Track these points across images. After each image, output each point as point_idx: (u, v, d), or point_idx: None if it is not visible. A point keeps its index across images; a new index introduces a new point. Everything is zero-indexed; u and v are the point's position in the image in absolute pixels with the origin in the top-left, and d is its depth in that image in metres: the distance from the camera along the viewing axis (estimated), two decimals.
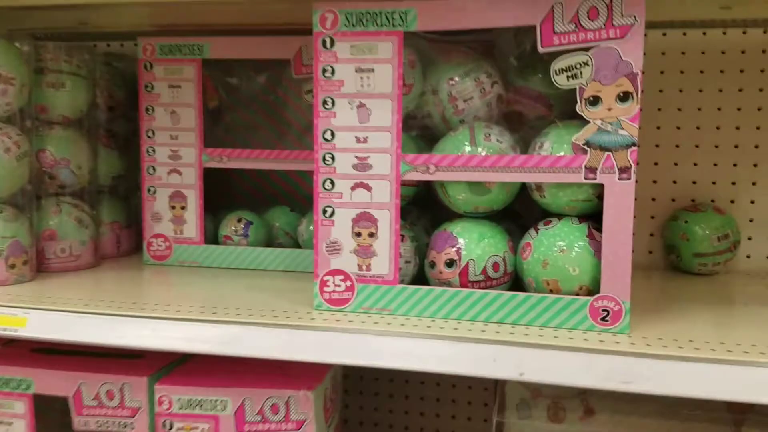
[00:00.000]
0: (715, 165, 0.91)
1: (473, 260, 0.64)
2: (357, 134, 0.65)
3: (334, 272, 0.67)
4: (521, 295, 0.62)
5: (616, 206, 0.60)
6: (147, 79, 0.91)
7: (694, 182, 0.92)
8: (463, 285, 0.65)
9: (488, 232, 0.66)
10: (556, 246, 0.62)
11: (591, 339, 0.59)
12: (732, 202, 0.91)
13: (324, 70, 0.65)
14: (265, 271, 0.88)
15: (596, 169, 0.60)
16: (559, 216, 0.65)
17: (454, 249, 0.65)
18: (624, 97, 0.59)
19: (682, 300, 0.74)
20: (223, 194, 0.98)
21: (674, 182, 0.92)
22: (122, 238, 0.99)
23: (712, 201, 0.91)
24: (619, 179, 0.59)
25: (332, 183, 0.66)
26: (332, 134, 0.66)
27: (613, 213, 0.60)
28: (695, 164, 0.92)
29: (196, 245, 0.91)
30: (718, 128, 0.90)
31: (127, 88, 1.00)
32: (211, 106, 0.97)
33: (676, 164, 0.92)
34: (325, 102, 0.65)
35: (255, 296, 0.73)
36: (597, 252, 0.61)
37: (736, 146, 0.90)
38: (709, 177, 0.91)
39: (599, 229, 0.62)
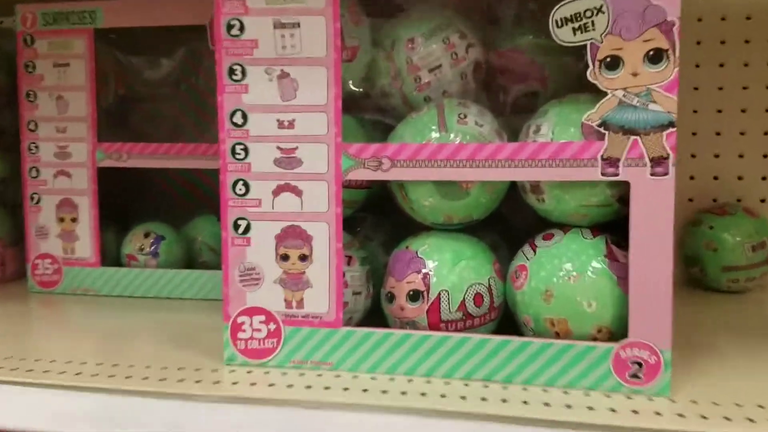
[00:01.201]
0: (740, 156, 0.74)
1: (446, 291, 0.46)
2: (279, 116, 0.46)
3: (252, 311, 0.47)
4: (516, 340, 0.44)
5: (648, 213, 0.41)
6: (27, 56, 0.71)
7: (715, 177, 0.74)
8: (433, 326, 0.46)
9: (467, 250, 0.47)
10: (563, 270, 0.44)
11: (619, 407, 0.40)
12: (762, 201, 0.74)
13: (230, 26, 0.46)
14: (182, 300, 0.68)
15: (618, 160, 0.42)
16: (564, 227, 0.46)
17: (420, 276, 0.46)
18: (655, 56, 0.41)
19: (718, 330, 0.57)
20: (132, 202, 0.78)
21: (691, 178, 0.75)
22: (7, 259, 0.78)
23: (739, 200, 0.74)
24: (651, 175, 0.41)
25: (246, 186, 0.47)
26: (244, 117, 0.46)
27: (645, 222, 0.41)
28: (716, 155, 0.74)
29: (91, 267, 0.70)
30: (743, 111, 0.73)
31: (12, 71, 0.79)
32: (114, 97, 0.78)
33: (693, 156, 0.75)
34: (232, 71, 0.46)
35: (156, 342, 0.54)
36: (622, 278, 0.43)
37: (766, 133, 0.73)
38: (734, 170, 0.74)
39: (622, 246, 0.44)
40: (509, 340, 0.44)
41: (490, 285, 0.47)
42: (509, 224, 0.56)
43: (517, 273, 0.46)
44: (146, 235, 0.71)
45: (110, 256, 0.72)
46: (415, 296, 0.46)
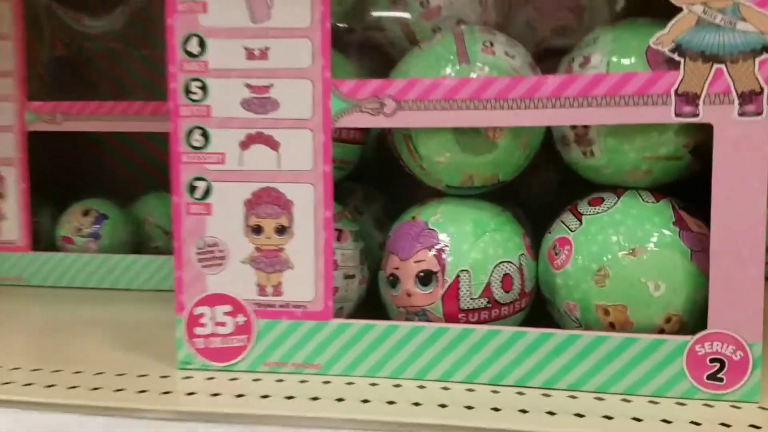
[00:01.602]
0: None
1: (467, 272, 0.35)
2: (248, 43, 0.35)
3: (214, 300, 0.36)
4: (561, 334, 0.34)
5: (735, 165, 0.32)
6: None
7: None
8: (450, 317, 0.36)
9: (490, 221, 0.37)
10: (621, 243, 0.34)
11: (702, 418, 0.31)
12: None
13: None
14: (128, 291, 0.57)
15: (697, 96, 0.32)
16: (617, 189, 0.36)
17: (433, 252, 0.36)
18: None
19: None
20: (70, 175, 0.66)
21: None
22: None
23: None
24: (740, 115, 0.32)
25: (204, 136, 0.36)
26: (201, 44, 0.35)
27: (731, 178, 0.32)
28: None
29: (20, 253, 0.58)
30: None
31: None
32: (51, 56, 0.66)
33: None
34: None
35: (94, 341, 0.42)
36: (696, 252, 0.33)
37: None
38: None
39: (693, 212, 0.34)
40: (551, 334, 0.34)
41: (521, 264, 0.37)
42: (526, 190, 0.45)
43: (556, 248, 0.36)
44: (85, 214, 0.59)
45: (43, 239, 0.60)
46: (426, 279, 0.36)
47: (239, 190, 0.36)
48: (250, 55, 0.35)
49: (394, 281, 0.37)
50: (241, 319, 0.36)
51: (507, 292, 0.36)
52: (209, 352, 0.37)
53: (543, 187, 0.46)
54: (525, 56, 0.37)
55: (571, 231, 0.36)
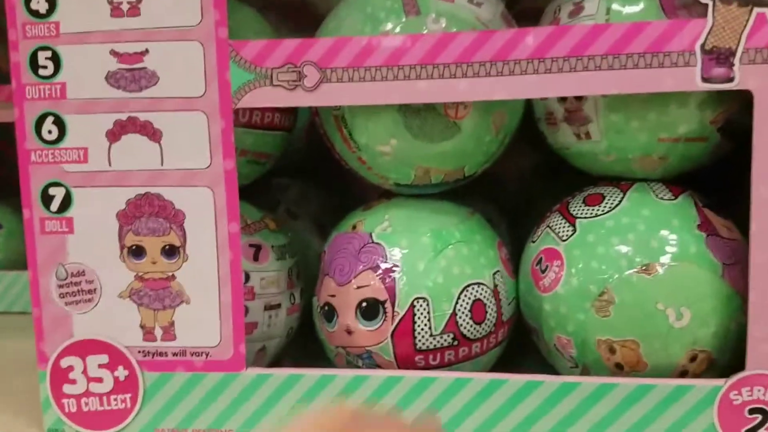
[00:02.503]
0: None
1: (425, 300, 0.26)
2: None
3: (85, 347, 0.27)
4: (552, 382, 0.25)
5: None
6: None
7: None
8: (403, 360, 0.27)
9: (455, 229, 0.28)
10: (627, 257, 0.25)
11: None
12: None
13: None
14: (24, 315, 0.47)
15: (731, 53, 0.23)
16: (620, 182, 0.28)
17: (379, 275, 0.27)
18: None
19: None
20: None
21: None
22: None
23: None
24: None
25: (59, 125, 0.26)
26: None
27: None
28: None
29: None
30: None
31: None
32: None
33: None
34: None
35: None
36: (730, 266, 0.25)
37: None
38: None
39: (719, 210, 0.26)
40: (539, 382, 0.25)
41: (495, 284, 0.28)
42: (502, 185, 0.37)
43: (542, 263, 0.27)
44: None
45: None
46: (370, 311, 0.27)
47: (110, 198, 0.26)
48: (116, 10, 0.25)
49: (330, 313, 0.28)
50: (122, 372, 0.27)
51: (478, 323, 0.27)
52: (83, 417, 0.27)
53: (523, 172, 0.38)
54: (497, 4, 0.27)
55: (562, 241, 0.27)
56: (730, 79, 0.23)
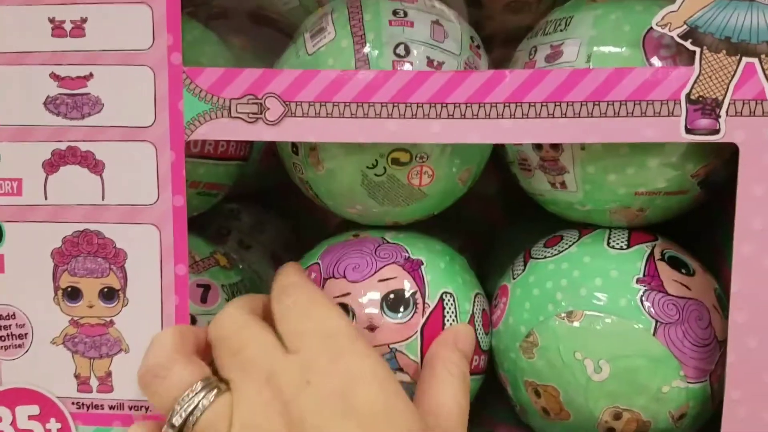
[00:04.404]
0: None
1: (452, 295, 0.26)
2: (54, 11, 0.23)
3: (13, 397, 0.25)
4: None
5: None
6: None
7: None
8: None
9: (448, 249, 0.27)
10: (556, 301, 0.24)
11: None
12: None
13: None
14: None
15: (717, 103, 0.22)
16: (587, 227, 0.26)
17: (405, 266, 0.26)
18: None
19: None
20: None
21: None
22: None
23: None
24: None
25: None
26: None
27: (764, 223, 0.22)
28: None
29: None
30: None
31: None
32: None
33: None
34: None
35: None
36: (668, 325, 0.24)
37: None
38: None
39: (688, 267, 0.25)
40: None
41: (483, 308, 0.27)
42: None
43: (497, 298, 0.26)
44: None
45: None
46: (398, 302, 0.24)
47: (44, 234, 0.24)
48: (57, 29, 0.23)
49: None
50: (54, 425, 0.24)
51: (486, 334, 0.26)
52: None
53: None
54: (467, 35, 0.26)
55: (512, 279, 0.26)
56: (716, 131, 0.22)
